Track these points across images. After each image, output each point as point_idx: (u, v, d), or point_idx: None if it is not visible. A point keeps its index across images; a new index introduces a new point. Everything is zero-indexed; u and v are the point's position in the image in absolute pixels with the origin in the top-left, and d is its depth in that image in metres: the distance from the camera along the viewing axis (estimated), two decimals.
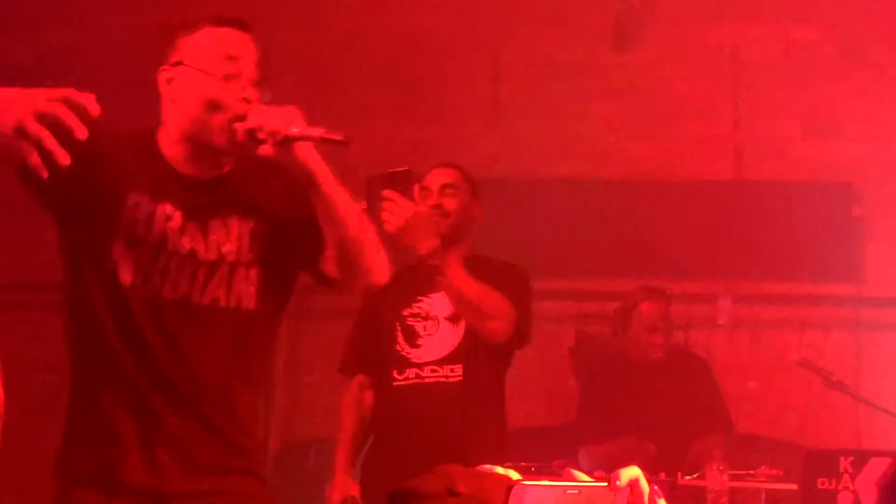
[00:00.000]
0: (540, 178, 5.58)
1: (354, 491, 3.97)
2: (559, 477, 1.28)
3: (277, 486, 4.07)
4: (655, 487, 1.28)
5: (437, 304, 3.87)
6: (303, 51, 5.75)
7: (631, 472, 1.26)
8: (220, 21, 2.63)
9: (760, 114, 5.67)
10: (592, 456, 4.56)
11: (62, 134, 2.28)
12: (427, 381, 3.83)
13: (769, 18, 5.70)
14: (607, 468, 4.30)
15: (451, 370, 3.83)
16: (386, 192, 3.41)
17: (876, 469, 3.76)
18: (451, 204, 3.92)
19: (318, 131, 2.52)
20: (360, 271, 2.66)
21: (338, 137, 2.53)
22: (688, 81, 5.67)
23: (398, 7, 5.79)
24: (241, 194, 2.67)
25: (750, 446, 4.78)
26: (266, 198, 2.68)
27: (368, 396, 4.02)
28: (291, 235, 2.69)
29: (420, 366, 3.85)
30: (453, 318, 3.86)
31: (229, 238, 2.64)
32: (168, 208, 2.61)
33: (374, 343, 3.96)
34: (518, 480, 1.26)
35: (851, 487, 3.83)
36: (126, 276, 2.60)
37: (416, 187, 3.55)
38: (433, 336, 3.87)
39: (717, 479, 3.96)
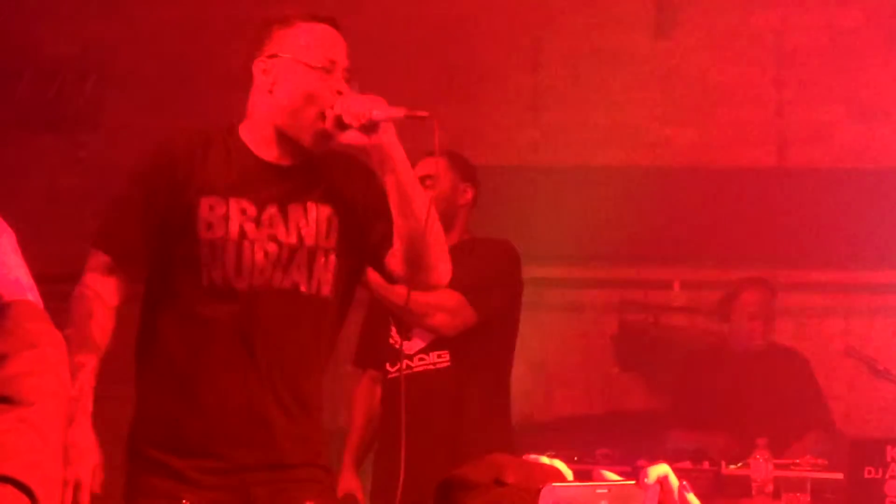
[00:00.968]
0: (580, 166, 5.56)
1: (356, 487, 3.97)
2: (600, 468, 1.29)
3: None
4: (685, 483, 1.27)
5: None
6: None
7: (659, 469, 1.26)
8: (314, 18, 2.76)
9: (804, 100, 5.63)
10: (680, 441, 4.57)
11: None
12: (416, 370, 3.75)
13: (812, 3, 5.64)
14: (694, 455, 4.25)
15: (439, 356, 3.76)
16: None
17: None
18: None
19: (401, 111, 2.62)
20: (423, 268, 2.71)
21: (422, 114, 2.62)
22: (730, 67, 5.62)
23: None
24: (319, 180, 2.75)
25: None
26: (342, 186, 2.77)
27: (377, 391, 4.00)
28: (364, 226, 2.76)
29: (410, 356, 3.78)
30: None
31: (308, 222, 2.72)
32: (243, 202, 2.70)
33: (376, 337, 3.94)
34: (548, 483, 1.26)
35: None
36: (209, 274, 2.68)
37: None
38: None
39: (761, 468, 3.94)
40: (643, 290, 5.43)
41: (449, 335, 3.69)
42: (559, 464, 1.33)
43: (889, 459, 3.82)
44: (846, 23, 5.61)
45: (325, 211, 2.74)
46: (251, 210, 2.69)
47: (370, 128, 2.62)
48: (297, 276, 2.70)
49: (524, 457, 1.34)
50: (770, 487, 3.93)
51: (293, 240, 2.70)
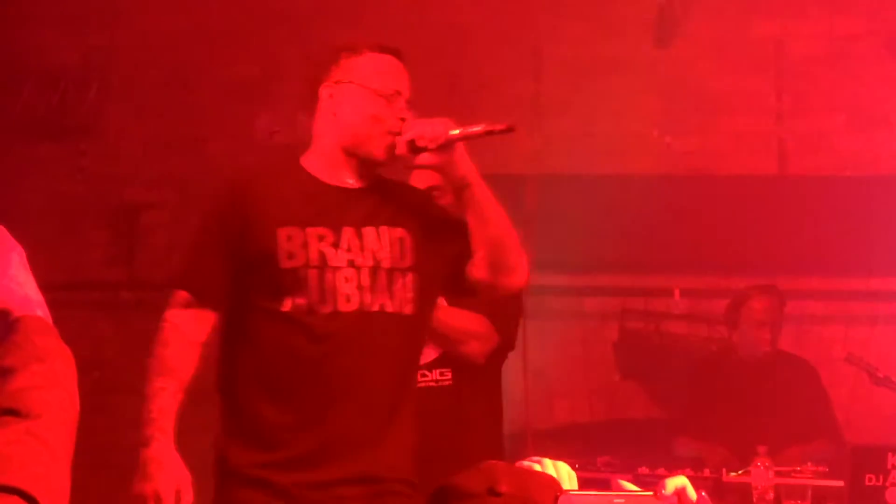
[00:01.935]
0: (582, 175, 5.56)
1: None
2: (602, 475, 1.28)
3: None
4: (703, 494, 1.27)
5: None
6: None
7: (677, 481, 1.25)
8: (382, 48, 2.86)
9: (804, 108, 5.62)
10: (684, 448, 4.56)
11: None
12: (419, 385, 3.77)
13: (813, 11, 5.65)
14: (695, 463, 4.23)
15: (441, 374, 3.77)
16: None
17: None
18: None
19: (479, 127, 2.72)
20: (505, 271, 2.81)
21: (501, 127, 2.72)
22: (731, 76, 5.62)
23: (439, 2, 5.79)
24: (386, 203, 2.83)
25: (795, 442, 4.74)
26: (406, 208, 2.85)
27: None
28: (436, 242, 2.83)
29: None
30: None
31: (382, 245, 2.79)
32: (320, 230, 2.76)
33: None
34: (566, 491, 1.25)
35: None
36: (294, 301, 2.73)
37: None
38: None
39: (762, 475, 3.93)
40: (644, 297, 5.42)
41: (478, 363, 3.70)
42: (565, 467, 1.32)
43: (890, 467, 3.82)
44: (846, 32, 5.61)
45: (398, 233, 2.81)
46: (329, 236, 2.76)
47: (446, 147, 2.71)
48: (382, 298, 2.77)
49: (517, 464, 1.34)
50: (771, 495, 3.93)
51: (371, 262, 2.77)
